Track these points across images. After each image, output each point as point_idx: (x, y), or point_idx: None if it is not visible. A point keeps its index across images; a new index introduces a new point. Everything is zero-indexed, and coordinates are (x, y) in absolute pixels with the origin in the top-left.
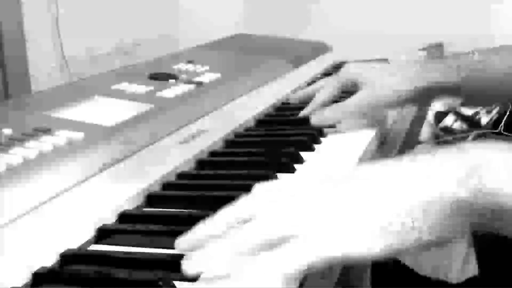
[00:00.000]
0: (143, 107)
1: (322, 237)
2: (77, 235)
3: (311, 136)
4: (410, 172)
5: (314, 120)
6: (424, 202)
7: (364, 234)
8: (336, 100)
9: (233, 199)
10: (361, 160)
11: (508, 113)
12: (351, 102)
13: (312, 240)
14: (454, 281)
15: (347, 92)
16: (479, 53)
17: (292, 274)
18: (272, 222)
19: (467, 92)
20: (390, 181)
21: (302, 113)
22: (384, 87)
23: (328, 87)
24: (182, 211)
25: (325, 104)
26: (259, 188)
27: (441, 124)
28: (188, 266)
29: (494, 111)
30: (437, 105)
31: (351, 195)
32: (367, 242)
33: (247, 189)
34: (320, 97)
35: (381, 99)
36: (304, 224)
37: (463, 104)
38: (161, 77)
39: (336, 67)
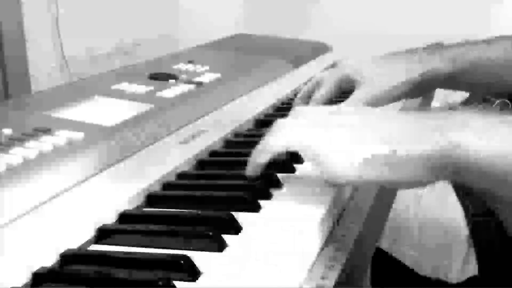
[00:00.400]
0: (143, 107)
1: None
2: (77, 235)
3: None
4: (403, 122)
5: None
6: (399, 148)
7: (349, 159)
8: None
9: (233, 199)
10: None
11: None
12: (350, 103)
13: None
14: (454, 281)
15: (344, 92)
16: (474, 43)
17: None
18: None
19: (464, 82)
20: (385, 125)
21: None
22: (380, 82)
23: (325, 85)
24: (182, 211)
25: (324, 102)
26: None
27: None
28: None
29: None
30: (437, 105)
31: (352, 129)
32: (347, 166)
33: (247, 189)
34: (318, 96)
35: (378, 95)
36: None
37: (463, 104)
38: (161, 77)
39: None
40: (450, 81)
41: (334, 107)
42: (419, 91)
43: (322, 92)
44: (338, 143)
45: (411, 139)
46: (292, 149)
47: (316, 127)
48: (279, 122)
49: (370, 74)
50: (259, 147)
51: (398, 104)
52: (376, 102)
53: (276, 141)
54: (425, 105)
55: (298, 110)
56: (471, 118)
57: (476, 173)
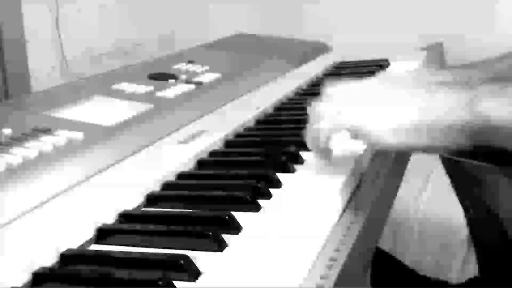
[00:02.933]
0: (143, 107)
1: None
2: (77, 235)
3: None
4: (429, 93)
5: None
6: (432, 118)
7: (388, 126)
8: None
9: (233, 199)
10: (363, 157)
11: None
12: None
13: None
14: (454, 281)
15: None
16: (488, 63)
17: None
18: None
19: None
20: (416, 96)
21: None
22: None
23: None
24: (182, 211)
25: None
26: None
27: None
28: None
29: None
30: None
31: (391, 99)
32: (388, 132)
33: (247, 188)
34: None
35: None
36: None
37: None
38: (161, 77)
39: (336, 67)
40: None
41: (363, 83)
42: None
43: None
44: (382, 117)
45: (446, 109)
46: (340, 129)
47: (357, 105)
48: (319, 107)
49: (375, 134)
50: (309, 135)
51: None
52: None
53: (324, 125)
54: None
55: (329, 92)
56: (494, 90)
57: (505, 135)
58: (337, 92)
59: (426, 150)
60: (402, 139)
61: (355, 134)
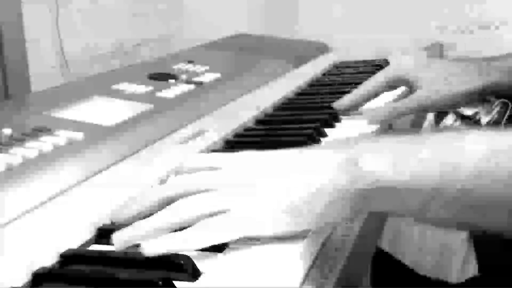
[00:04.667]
0: (143, 107)
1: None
2: (77, 235)
3: (310, 136)
4: (300, 163)
5: (367, 118)
6: (310, 192)
7: (271, 218)
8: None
9: None
10: None
11: (508, 113)
12: (406, 104)
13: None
14: (454, 281)
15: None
16: None
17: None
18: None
19: None
20: (283, 173)
21: (337, 105)
22: (440, 90)
23: (373, 83)
24: None
25: (365, 99)
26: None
27: (441, 124)
28: (116, 240)
29: (494, 111)
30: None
31: (263, 181)
32: (273, 225)
33: None
34: (361, 91)
35: (437, 103)
36: (222, 205)
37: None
38: (161, 77)
39: (336, 67)
40: (508, 92)
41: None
42: (474, 100)
43: (366, 91)
44: (255, 205)
45: (323, 179)
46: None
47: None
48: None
49: (428, 80)
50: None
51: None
52: (432, 107)
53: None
54: (417, 124)
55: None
56: (376, 146)
57: (388, 200)
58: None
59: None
60: (284, 225)
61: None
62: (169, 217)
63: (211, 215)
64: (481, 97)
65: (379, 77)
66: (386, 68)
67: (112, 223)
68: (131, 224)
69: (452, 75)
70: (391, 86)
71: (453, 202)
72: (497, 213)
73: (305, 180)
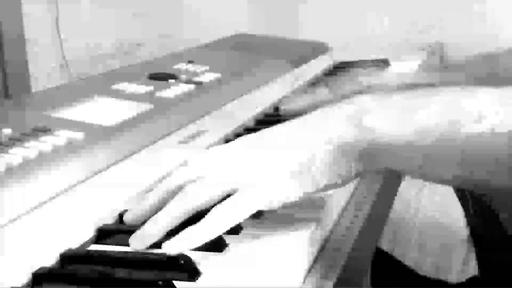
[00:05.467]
0: (143, 107)
1: (251, 192)
2: (77, 235)
3: None
4: (305, 126)
5: None
6: (313, 150)
7: (279, 182)
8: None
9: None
10: None
11: None
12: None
13: (243, 197)
14: (454, 281)
15: None
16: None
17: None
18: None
19: None
20: (291, 135)
21: (285, 108)
22: None
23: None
24: None
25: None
26: (191, 158)
27: None
28: (136, 240)
29: None
30: None
31: (264, 151)
32: (283, 191)
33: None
34: (310, 99)
35: None
36: (234, 183)
37: None
38: (161, 77)
39: (336, 67)
40: None
41: (228, 146)
42: None
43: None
44: (262, 171)
45: (326, 136)
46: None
47: (233, 165)
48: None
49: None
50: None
51: None
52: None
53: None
54: None
55: (192, 160)
56: (379, 103)
57: (391, 156)
58: (201, 158)
59: (325, 188)
60: (301, 187)
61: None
62: (181, 204)
63: (221, 197)
64: None
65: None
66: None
67: (115, 222)
68: (140, 223)
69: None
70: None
71: (455, 159)
72: (500, 169)
73: (307, 142)
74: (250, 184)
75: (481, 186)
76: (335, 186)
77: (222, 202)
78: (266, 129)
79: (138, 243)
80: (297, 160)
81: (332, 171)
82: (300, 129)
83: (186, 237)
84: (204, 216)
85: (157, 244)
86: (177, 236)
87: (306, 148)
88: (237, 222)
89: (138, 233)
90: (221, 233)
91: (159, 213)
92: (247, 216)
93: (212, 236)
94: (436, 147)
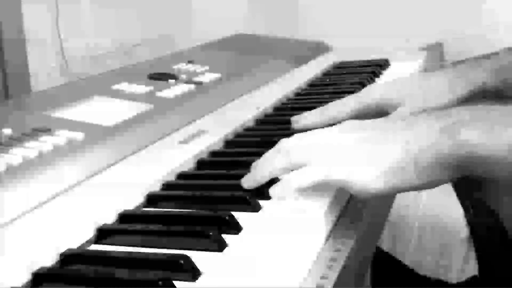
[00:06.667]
0: (143, 107)
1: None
2: (77, 235)
3: None
4: (406, 127)
5: None
6: (416, 153)
7: (373, 172)
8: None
9: (234, 199)
10: None
11: None
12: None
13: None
14: (454, 281)
15: None
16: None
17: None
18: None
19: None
20: (393, 134)
21: (295, 120)
22: (424, 101)
23: (340, 107)
24: (182, 211)
25: (325, 123)
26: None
27: None
28: (274, 191)
29: None
30: None
31: (366, 143)
32: (373, 178)
33: (247, 189)
34: (324, 114)
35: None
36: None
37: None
38: (161, 77)
39: (336, 67)
40: (498, 94)
41: (325, 132)
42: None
43: (333, 113)
44: (359, 160)
45: (428, 140)
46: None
47: (329, 152)
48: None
49: (409, 92)
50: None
51: None
52: None
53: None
54: None
55: (286, 145)
56: (475, 116)
57: (485, 167)
58: (300, 144)
59: (415, 188)
60: (390, 182)
61: (337, 183)
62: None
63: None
64: (476, 102)
65: (349, 103)
66: (359, 93)
67: (115, 222)
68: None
69: (434, 84)
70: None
71: None
72: None
73: (404, 145)
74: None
75: None
76: (424, 187)
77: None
78: (370, 121)
79: (250, 181)
80: (393, 159)
81: (425, 175)
82: (402, 129)
83: (286, 182)
84: None
85: (160, 244)
86: (279, 182)
87: (404, 151)
88: (321, 182)
89: (250, 174)
90: (308, 185)
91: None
92: (333, 183)
93: (305, 183)
94: None
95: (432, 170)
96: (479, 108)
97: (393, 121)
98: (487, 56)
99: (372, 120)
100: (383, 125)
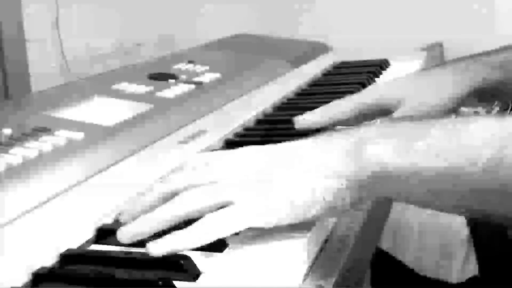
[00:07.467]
0: (143, 107)
1: (247, 209)
2: (77, 235)
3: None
4: (309, 153)
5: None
6: (320, 181)
7: (277, 207)
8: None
9: None
10: None
11: (509, 112)
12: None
13: (237, 213)
14: (454, 281)
15: None
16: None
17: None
18: (199, 195)
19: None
20: (294, 162)
21: (297, 120)
22: (425, 99)
23: (343, 107)
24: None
25: (327, 122)
26: (189, 161)
27: None
28: (122, 234)
29: (494, 111)
30: None
31: (267, 171)
32: (279, 214)
33: None
34: (328, 112)
35: (425, 112)
36: (230, 196)
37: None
38: (161, 77)
39: (336, 67)
40: (501, 89)
41: (237, 152)
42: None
43: (335, 112)
44: (260, 192)
45: (334, 161)
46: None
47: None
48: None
49: (409, 91)
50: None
51: None
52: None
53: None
54: None
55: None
56: (383, 131)
57: (394, 185)
58: (201, 163)
59: (333, 214)
60: (286, 218)
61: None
62: (173, 209)
63: (215, 207)
64: (478, 98)
65: (349, 103)
66: (359, 93)
67: (115, 222)
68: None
69: (436, 81)
70: (365, 114)
71: (459, 190)
72: (505, 199)
73: (309, 171)
74: (246, 201)
75: (485, 215)
76: (337, 212)
77: (214, 212)
78: (271, 145)
79: (124, 237)
80: (299, 188)
81: (334, 200)
82: (305, 154)
83: (171, 240)
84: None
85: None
86: (162, 238)
87: (306, 181)
88: (224, 236)
89: (126, 228)
90: (205, 244)
91: (151, 214)
92: (236, 231)
93: (196, 244)
94: (437, 179)
95: (339, 196)
96: (388, 124)
97: (292, 146)
98: (487, 53)
99: (271, 146)
100: (284, 151)
